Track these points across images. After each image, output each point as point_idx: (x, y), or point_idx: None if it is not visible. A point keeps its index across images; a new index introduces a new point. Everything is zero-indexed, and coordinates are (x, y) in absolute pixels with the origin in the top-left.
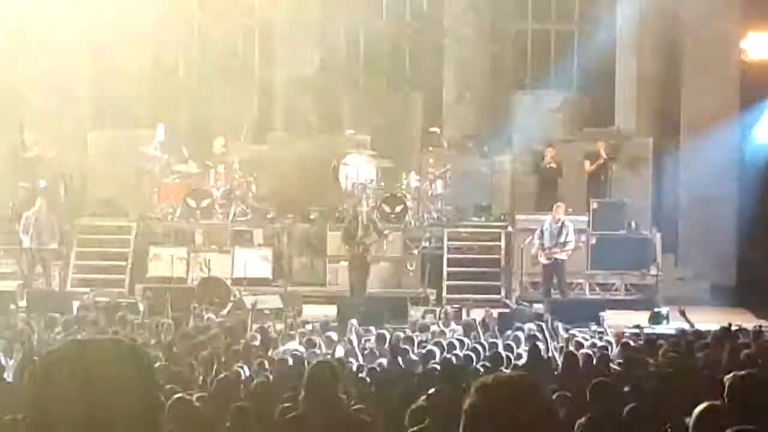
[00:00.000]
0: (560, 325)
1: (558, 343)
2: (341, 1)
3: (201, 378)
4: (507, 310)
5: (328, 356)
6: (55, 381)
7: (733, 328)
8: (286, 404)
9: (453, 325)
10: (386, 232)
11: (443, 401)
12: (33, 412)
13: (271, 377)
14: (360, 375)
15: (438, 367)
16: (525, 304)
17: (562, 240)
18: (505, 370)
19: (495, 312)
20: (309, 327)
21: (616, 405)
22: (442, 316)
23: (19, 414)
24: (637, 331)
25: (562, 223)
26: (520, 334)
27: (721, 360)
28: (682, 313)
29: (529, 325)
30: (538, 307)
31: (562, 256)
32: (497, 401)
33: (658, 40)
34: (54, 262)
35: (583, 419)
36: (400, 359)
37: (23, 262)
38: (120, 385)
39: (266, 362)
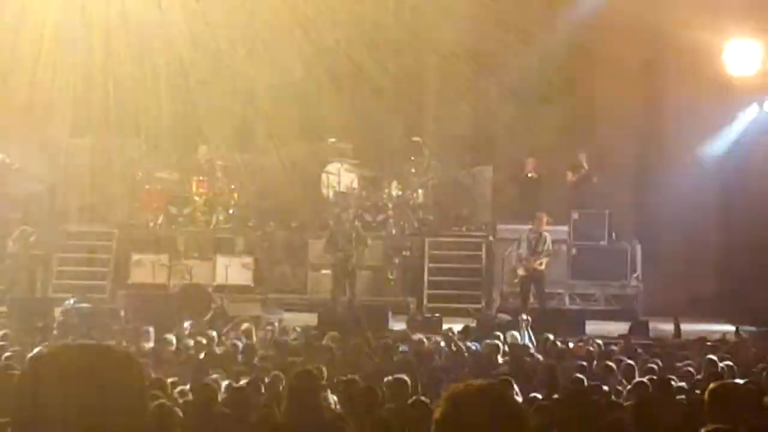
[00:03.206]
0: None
1: (538, 352)
2: (324, 10)
3: (181, 384)
4: (484, 319)
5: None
6: (42, 385)
7: (713, 338)
8: (266, 410)
9: (432, 335)
10: (369, 240)
11: (420, 410)
12: (19, 415)
13: (251, 384)
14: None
15: (417, 376)
16: (499, 315)
17: (539, 250)
18: (483, 379)
19: (474, 321)
20: (291, 335)
21: (597, 415)
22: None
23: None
24: (619, 341)
25: (541, 234)
26: (499, 342)
27: (699, 370)
28: (675, 319)
29: (512, 333)
30: (503, 317)
31: (540, 266)
32: (467, 409)
33: (640, 50)
34: (36, 267)
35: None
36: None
37: (7, 267)
38: (108, 391)
39: (246, 369)
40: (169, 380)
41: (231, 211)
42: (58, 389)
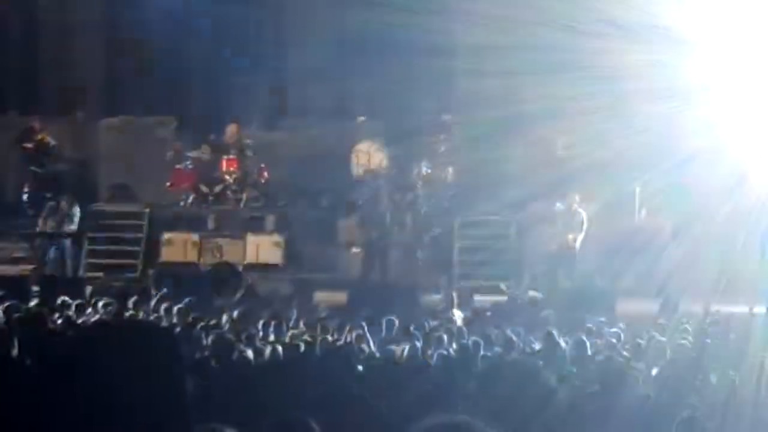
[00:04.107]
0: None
1: (568, 330)
2: None
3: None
4: (514, 298)
5: (339, 342)
6: (86, 363)
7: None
8: (297, 389)
9: (463, 312)
10: (407, 220)
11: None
12: (62, 393)
13: (283, 360)
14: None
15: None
16: (529, 293)
17: (573, 227)
18: (516, 356)
19: (504, 299)
20: (321, 313)
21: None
22: (453, 303)
23: (33, 393)
24: (649, 319)
25: (575, 211)
26: (532, 320)
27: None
28: (705, 301)
29: (545, 312)
30: (534, 295)
31: (573, 243)
32: (499, 384)
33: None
34: (68, 246)
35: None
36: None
37: (38, 246)
38: (150, 368)
39: (278, 347)
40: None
41: (260, 191)
42: (99, 367)
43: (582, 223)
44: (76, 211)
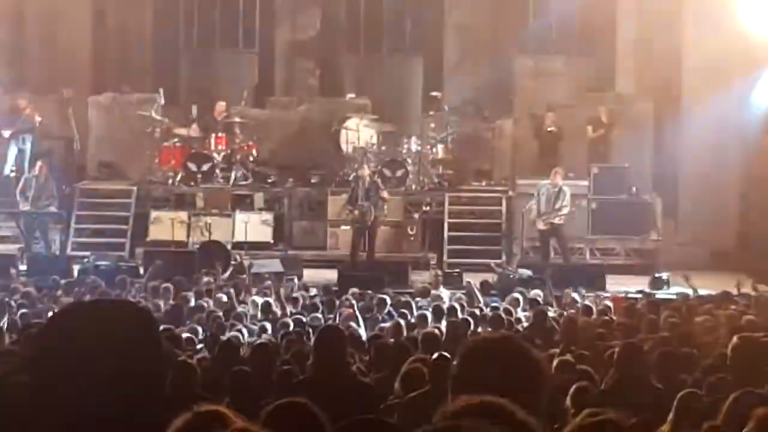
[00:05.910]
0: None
1: (558, 307)
2: None
3: (201, 341)
4: (504, 274)
5: (330, 320)
6: (61, 342)
7: (734, 292)
8: (287, 367)
9: (452, 290)
10: (386, 194)
11: (444, 366)
12: (37, 373)
13: (272, 341)
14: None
15: (438, 331)
16: (509, 270)
17: (558, 205)
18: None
19: (493, 277)
20: (311, 291)
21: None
22: (442, 280)
23: (18, 376)
24: (639, 296)
25: (560, 188)
26: (520, 297)
27: (719, 325)
28: (686, 279)
29: (534, 291)
30: (524, 272)
31: (557, 220)
32: (484, 364)
33: (658, 1)
34: (53, 225)
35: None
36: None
37: (22, 225)
38: (126, 347)
39: (267, 325)
40: (186, 336)
41: (249, 168)
42: (74, 346)
43: (568, 199)
44: (64, 188)
